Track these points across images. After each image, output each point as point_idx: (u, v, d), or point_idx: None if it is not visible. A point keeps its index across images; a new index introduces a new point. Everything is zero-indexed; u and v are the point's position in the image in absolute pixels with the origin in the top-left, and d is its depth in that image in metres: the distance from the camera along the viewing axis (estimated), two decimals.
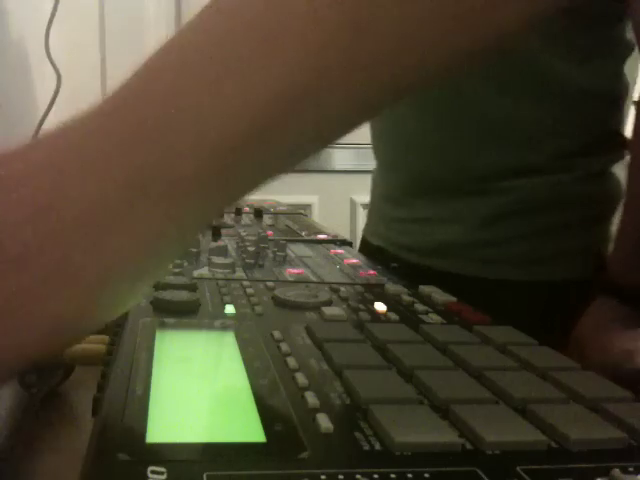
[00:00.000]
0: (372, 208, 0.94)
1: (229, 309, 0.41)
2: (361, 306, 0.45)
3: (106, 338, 0.40)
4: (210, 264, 0.62)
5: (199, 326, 0.38)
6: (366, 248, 0.90)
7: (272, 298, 0.45)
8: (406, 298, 0.48)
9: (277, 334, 0.36)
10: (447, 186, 0.77)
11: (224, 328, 0.38)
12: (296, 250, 0.75)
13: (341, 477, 0.21)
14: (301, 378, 0.29)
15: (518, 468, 0.23)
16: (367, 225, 0.96)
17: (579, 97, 0.72)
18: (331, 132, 0.28)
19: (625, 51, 0.74)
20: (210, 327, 0.38)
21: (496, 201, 0.73)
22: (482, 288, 0.72)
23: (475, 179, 0.74)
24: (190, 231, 0.28)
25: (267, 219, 1.04)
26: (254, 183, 0.29)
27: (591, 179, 0.73)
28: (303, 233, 0.90)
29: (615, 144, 0.75)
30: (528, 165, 0.73)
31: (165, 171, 0.24)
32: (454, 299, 0.49)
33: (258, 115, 0.25)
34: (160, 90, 0.25)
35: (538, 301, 0.73)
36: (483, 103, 0.72)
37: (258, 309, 0.42)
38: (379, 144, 0.87)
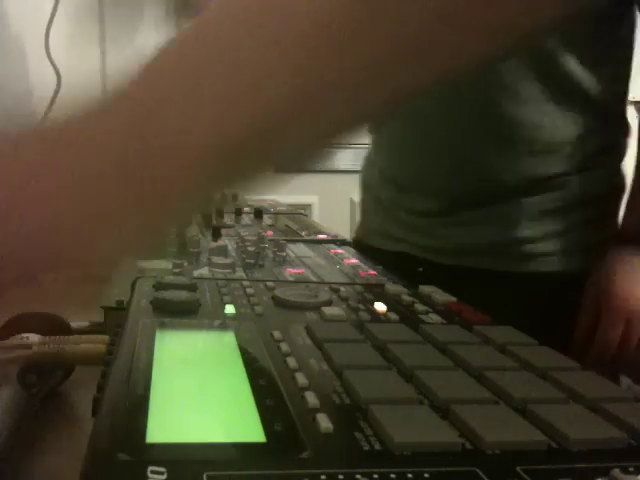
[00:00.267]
0: (381, 216, 0.90)
1: (229, 309, 0.41)
2: (361, 306, 0.45)
3: (106, 338, 0.40)
4: (210, 264, 0.62)
5: (199, 326, 0.38)
6: (376, 255, 0.84)
7: (272, 298, 0.45)
8: (406, 298, 0.48)
9: (277, 334, 0.36)
10: (480, 196, 0.78)
11: (224, 328, 0.38)
12: (296, 250, 0.75)
13: (341, 477, 0.21)
14: (301, 378, 0.29)
15: (518, 468, 0.23)
16: (372, 233, 0.93)
17: (598, 100, 0.75)
18: (329, 135, 0.28)
19: (629, 51, 0.76)
20: (210, 327, 0.38)
21: (535, 200, 0.76)
22: (522, 283, 0.76)
23: (505, 187, 0.76)
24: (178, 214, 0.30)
25: (267, 219, 1.04)
26: (250, 178, 0.30)
27: (614, 174, 0.78)
28: (303, 233, 0.90)
29: (625, 140, 0.79)
30: (561, 168, 0.75)
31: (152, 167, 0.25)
32: (454, 299, 0.49)
33: (258, 116, 0.25)
34: (158, 90, 0.26)
35: (573, 292, 0.77)
36: (510, 112, 0.74)
37: (258, 309, 0.42)
38: (399, 163, 0.86)
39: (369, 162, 0.95)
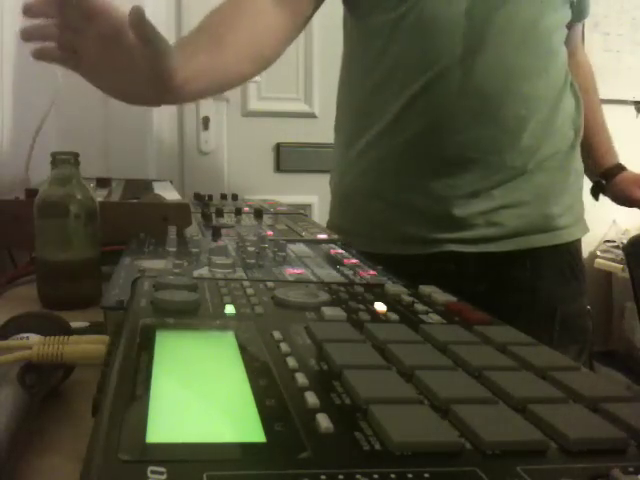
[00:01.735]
0: (405, 220, 0.89)
1: (229, 309, 0.41)
2: (361, 306, 0.45)
3: (106, 338, 0.40)
4: (210, 264, 0.62)
5: (199, 326, 0.38)
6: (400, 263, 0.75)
7: (272, 298, 0.45)
8: (406, 298, 0.48)
9: (277, 334, 0.36)
10: (519, 170, 0.86)
11: (224, 328, 0.38)
12: (296, 250, 0.75)
13: (341, 477, 0.21)
14: (301, 378, 0.29)
15: (518, 468, 0.23)
16: (388, 240, 0.91)
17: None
18: None
19: None
20: (210, 327, 0.38)
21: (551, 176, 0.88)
22: (559, 254, 0.90)
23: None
24: None
25: (267, 219, 1.04)
26: None
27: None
28: (303, 233, 0.90)
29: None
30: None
31: None
32: (454, 299, 0.49)
33: None
34: None
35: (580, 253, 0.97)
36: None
37: (258, 309, 0.42)
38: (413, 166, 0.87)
39: (366, 169, 0.93)
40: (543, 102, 0.85)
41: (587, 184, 1.01)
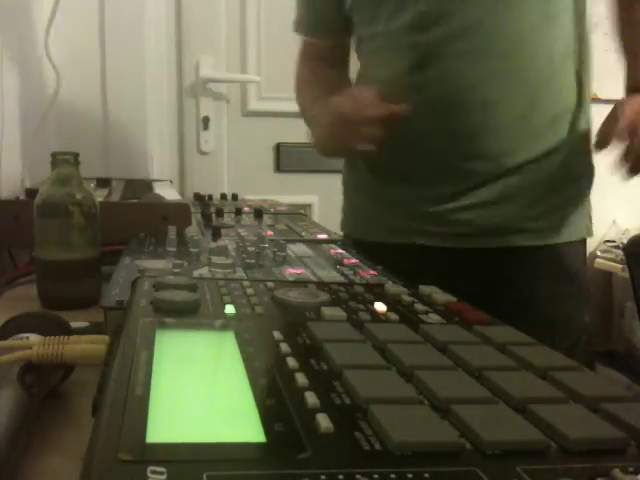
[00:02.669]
0: (386, 210, 0.93)
1: (229, 309, 0.41)
2: (361, 306, 0.45)
3: (106, 338, 0.40)
4: (210, 264, 0.62)
5: (199, 326, 0.38)
6: (375, 249, 0.87)
7: (272, 298, 0.45)
8: (406, 298, 0.48)
9: (277, 334, 0.36)
10: (490, 174, 0.85)
11: (224, 328, 0.38)
12: (296, 250, 0.75)
13: (341, 477, 0.21)
14: (301, 378, 0.29)
15: (518, 468, 0.23)
16: (370, 227, 0.95)
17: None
18: None
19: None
20: (210, 327, 0.38)
21: (533, 177, 0.84)
22: (533, 256, 0.86)
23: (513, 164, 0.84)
24: None
25: (267, 219, 1.05)
26: None
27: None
28: (303, 233, 0.90)
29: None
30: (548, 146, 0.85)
31: None
32: (454, 299, 0.49)
33: None
34: None
35: (574, 258, 0.91)
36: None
37: (258, 309, 0.42)
38: (405, 156, 0.89)
39: (353, 165, 0.99)
40: (509, 107, 0.82)
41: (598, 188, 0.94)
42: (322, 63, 1.01)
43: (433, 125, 0.83)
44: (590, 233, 0.92)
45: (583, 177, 0.91)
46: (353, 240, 0.95)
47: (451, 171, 0.85)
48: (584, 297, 0.92)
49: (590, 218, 0.93)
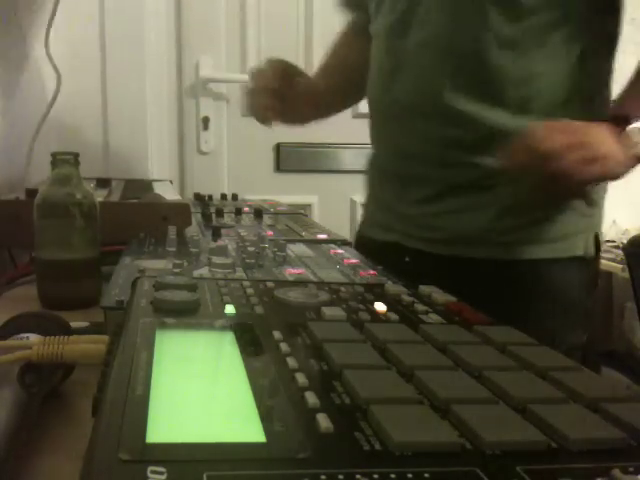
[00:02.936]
0: (377, 207, 0.95)
1: (229, 309, 0.41)
2: (361, 306, 0.45)
3: (106, 338, 0.40)
4: (210, 264, 0.62)
5: (199, 326, 0.38)
6: (368, 245, 0.92)
7: (272, 298, 0.45)
8: (406, 298, 0.48)
9: (277, 334, 0.36)
10: (467, 182, 0.82)
11: (224, 328, 0.38)
12: (296, 250, 0.75)
13: (341, 477, 0.21)
14: (301, 378, 0.29)
15: (518, 468, 0.23)
16: (367, 224, 0.98)
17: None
18: None
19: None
20: (210, 327, 0.38)
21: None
22: (506, 269, 0.81)
23: (488, 174, 0.79)
24: None
25: (267, 219, 1.05)
26: None
27: None
28: (303, 233, 0.90)
29: None
30: None
31: None
32: (454, 299, 0.49)
33: None
34: None
35: (559, 277, 0.82)
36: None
37: (258, 309, 0.42)
38: (393, 154, 0.90)
39: (368, 159, 0.99)
40: (480, 122, 0.79)
41: None
42: (356, 37, 1.01)
43: (409, 130, 0.84)
44: (589, 253, 0.83)
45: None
46: (358, 236, 0.98)
47: (427, 176, 0.84)
48: (572, 317, 0.85)
49: (594, 237, 0.84)
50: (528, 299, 0.81)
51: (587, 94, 0.81)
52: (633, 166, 0.71)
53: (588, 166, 0.68)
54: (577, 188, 0.72)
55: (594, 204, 0.82)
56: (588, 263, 0.84)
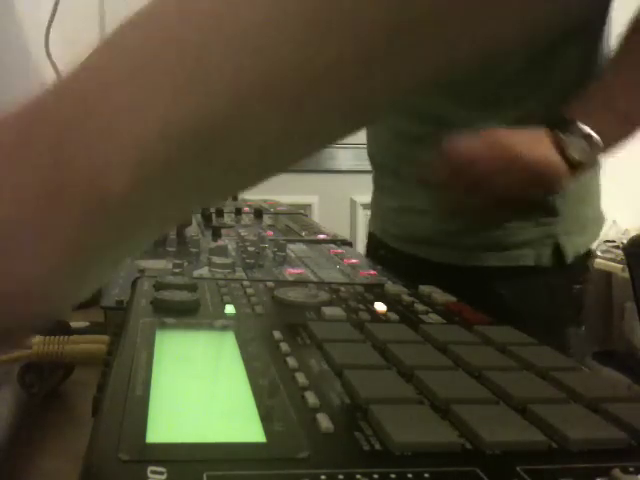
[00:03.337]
0: (372, 201, 0.99)
1: (229, 309, 0.41)
2: (361, 306, 0.45)
3: (106, 338, 0.40)
4: (210, 264, 0.62)
5: (199, 326, 0.38)
6: (370, 241, 0.97)
7: (272, 298, 0.45)
8: (406, 298, 0.48)
9: (277, 334, 0.36)
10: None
11: (224, 328, 0.38)
12: (296, 250, 0.75)
13: (341, 477, 0.21)
14: (301, 378, 0.29)
15: (518, 468, 0.23)
16: (370, 218, 1.02)
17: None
18: (322, 127, 0.25)
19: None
20: (210, 327, 0.38)
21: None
22: (455, 274, 0.78)
23: None
24: (117, 246, 0.25)
25: (267, 219, 1.05)
26: (193, 202, 0.27)
27: None
28: (303, 233, 0.90)
29: None
30: None
31: (84, 188, 0.22)
32: (454, 299, 0.49)
33: (184, 140, 0.22)
34: (82, 102, 0.23)
35: (505, 286, 0.79)
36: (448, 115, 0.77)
37: (258, 309, 0.42)
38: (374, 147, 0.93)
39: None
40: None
41: None
42: None
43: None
44: (542, 263, 0.79)
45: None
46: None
47: (391, 169, 0.86)
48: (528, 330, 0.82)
49: (553, 246, 0.79)
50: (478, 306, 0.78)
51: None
52: (574, 175, 0.65)
53: (520, 189, 0.64)
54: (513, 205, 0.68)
55: (555, 213, 0.78)
56: (545, 274, 0.79)
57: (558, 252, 0.79)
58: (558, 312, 0.82)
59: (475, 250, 0.79)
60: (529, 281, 0.80)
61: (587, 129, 0.64)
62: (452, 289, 0.68)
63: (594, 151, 0.65)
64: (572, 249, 0.80)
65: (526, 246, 0.79)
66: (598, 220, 0.86)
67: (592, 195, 0.84)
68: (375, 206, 0.96)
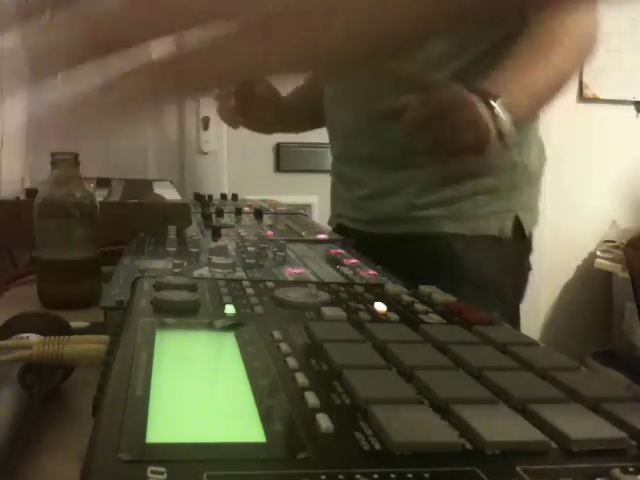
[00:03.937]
0: (334, 195, 1.08)
1: (229, 309, 0.41)
2: (361, 306, 0.45)
3: (106, 338, 0.40)
4: (210, 264, 0.62)
5: (199, 326, 0.38)
6: (337, 230, 1.05)
7: (272, 298, 0.45)
8: (406, 298, 0.48)
9: (277, 334, 0.36)
10: (390, 163, 0.91)
11: (224, 328, 0.38)
12: (296, 250, 0.75)
13: (341, 477, 0.21)
14: (301, 378, 0.29)
15: (518, 468, 0.23)
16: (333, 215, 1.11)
17: None
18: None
19: None
20: (210, 327, 0.38)
21: (431, 170, 0.85)
22: (425, 244, 0.90)
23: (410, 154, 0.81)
24: None
25: (267, 219, 1.04)
26: None
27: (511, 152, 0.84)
28: (303, 233, 0.90)
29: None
30: None
31: None
32: (454, 299, 0.49)
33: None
34: None
35: (473, 253, 0.89)
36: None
37: (258, 309, 0.42)
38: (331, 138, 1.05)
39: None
40: None
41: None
42: None
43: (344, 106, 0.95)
44: (504, 234, 0.89)
45: (484, 173, 0.86)
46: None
47: (356, 157, 0.96)
48: (484, 295, 0.85)
49: (514, 219, 0.89)
50: (439, 271, 0.84)
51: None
52: (495, 142, 0.70)
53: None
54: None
55: (514, 187, 0.89)
56: (504, 244, 0.89)
57: (518, 225, 0.90)
58: (511, 282, 0.93)
59: (442, 220, 0.89)
60: (493, 250, 0.90)
61: (509, 106, 0.71)
62: (417, 259, 0.75)
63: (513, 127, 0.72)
64: (528, 224, 0.92)
65: (490, 217, 0.89)
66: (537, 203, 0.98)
67: (538, 178, 0.95)
68: (338, 198, 1.05)
